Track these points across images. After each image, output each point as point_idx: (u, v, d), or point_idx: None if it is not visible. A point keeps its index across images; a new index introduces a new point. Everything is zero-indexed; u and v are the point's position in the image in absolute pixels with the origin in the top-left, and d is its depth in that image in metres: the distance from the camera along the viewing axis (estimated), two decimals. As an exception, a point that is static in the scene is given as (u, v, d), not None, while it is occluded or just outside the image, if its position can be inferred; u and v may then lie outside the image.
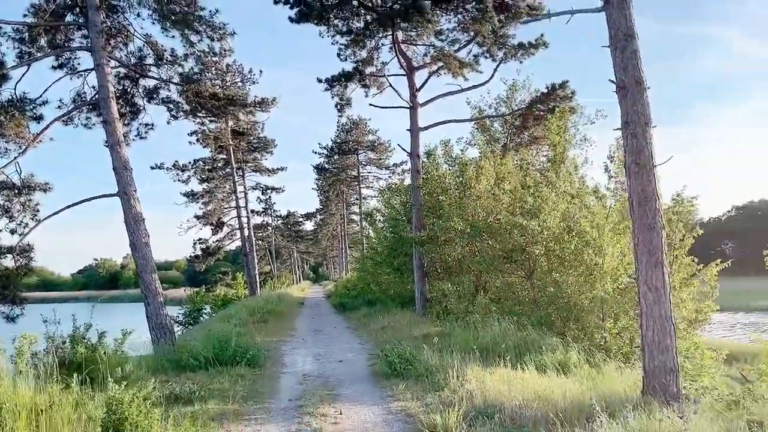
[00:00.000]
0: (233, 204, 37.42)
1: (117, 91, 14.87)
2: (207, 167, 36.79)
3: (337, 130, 41.26)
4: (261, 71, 31.97)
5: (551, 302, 13.45)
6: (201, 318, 29.83)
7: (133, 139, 15.91)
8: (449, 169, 17.94)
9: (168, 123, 26.85)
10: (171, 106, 23.29)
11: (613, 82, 6.44)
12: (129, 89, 15.94)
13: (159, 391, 6.98)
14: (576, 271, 13.06)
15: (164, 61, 15.81)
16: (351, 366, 10.29)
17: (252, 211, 54.98)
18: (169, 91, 16.70)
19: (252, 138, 39.07)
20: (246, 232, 34.16)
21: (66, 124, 14.52)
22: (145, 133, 16.19)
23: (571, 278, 12.48)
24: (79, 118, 14.89)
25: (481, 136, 21.74)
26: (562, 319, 12.82)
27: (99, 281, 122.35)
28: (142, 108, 16.21)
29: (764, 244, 12.20)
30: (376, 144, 40.41)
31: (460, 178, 17.29)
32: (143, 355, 10.78)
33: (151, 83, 16.34)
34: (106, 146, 12.76)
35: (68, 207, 12.80)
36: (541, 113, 16.76)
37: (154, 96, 16.68)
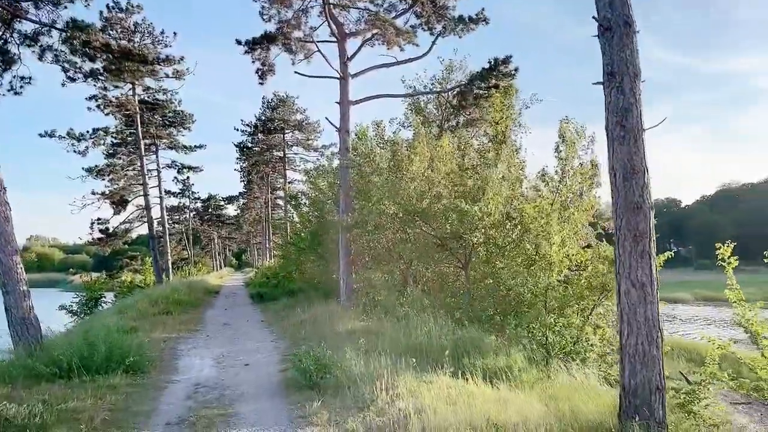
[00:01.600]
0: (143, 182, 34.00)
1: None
2: (114, 140, 33.09)
3: (262, 106, 38.45)
4: (175, 33, 28.75)
5: (489, 294, 12.29)
6: (100, 307, 26.57)
7: (4, 95, 13.04)
8: (381, 150, 16.37)
9: (63, 85, 23.67)
10: (65, 64, 20.22)
11: (595, 19, 5.08)
12: (-2, 32, 13.04)
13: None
14: (515, 261, 11.97)
15: (45, 1, 13.10)
16: (258, 371, 8.50)
17: (167, 192, 51.09)
18: (52, 38, 13.90)
19: (167, 111, 35.62)
20: (156, 214, 31.03)
21: None
22: (21, 87, 13.34)
23: (513, 268, 11.33)
24: None
25: (416, 116, 20.33)
26: (500, 314, 11.67)
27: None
28: (16, 57, 13.33)
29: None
30: (303, 123, 37.90)
31: (393, 160, 15.80)
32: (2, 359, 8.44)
33: (29, 27, 13.51)
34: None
35: None
36: (481, 90, 15.54)
37: (33, 43, 13.81)
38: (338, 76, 16.54)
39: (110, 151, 33.02)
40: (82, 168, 30.47)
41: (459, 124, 18.87)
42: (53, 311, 26.64)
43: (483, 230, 11.85)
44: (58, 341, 9.06)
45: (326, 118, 16.45)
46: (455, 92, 17.58)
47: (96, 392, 6.83)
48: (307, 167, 27.01)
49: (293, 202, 25.91)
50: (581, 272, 11.11)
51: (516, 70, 15.10)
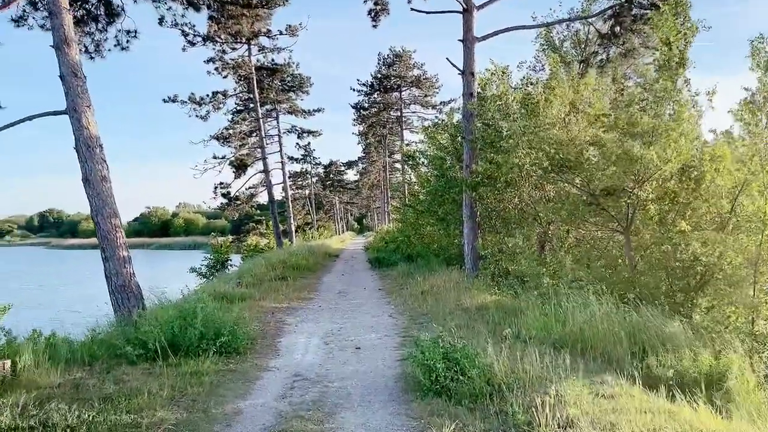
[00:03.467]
0: (267, 146, 34.29)
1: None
2: (237, 106, 33.55)
3: (378, 63, 36.71)
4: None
5: (660, 266, 9.54)
6: (226, 270, 27.24)
7: (110, 50, 12.51)
8: (514, 92, 13.80)
9: (183, 50, 23.71)
10: (184, 27, 19.79)
11: None
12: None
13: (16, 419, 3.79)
14: (700, 222, 9.07)
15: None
16: (370, 359, 6.84)
17: (290, 158, 52.09)
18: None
19: (286, 75, 35.40)
20: (278, 179, 31.03)
21: (18, 25, 11.23)
22: (127, 42, 12.72)
23: (701, 232, 8.49)
24: (33, 17, 11.53)
25: (553, 55, 17.23)
26: (680, 291, 8.93)
27: (152, 228, 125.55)
28: (120, 9, 12.71)
29: None
30: (421, 79, 35.58)
31: (526, 103, 13.19)
32: (95, 332, 7.68)
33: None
34: (52, 47, 9.41)
35: (7, 126, 9.59)
36: (643, 9, 12.24)
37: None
38: (461, 9, 14.13)
39: (233, 118, 33.58)
40: (210, 135, 31.13)
41: (609, 58, 15.52)
42: (185, 273, 27.95)
43: (658, 181, 9.05)
44: (158, 313, 8.10)
45: (447, 59, 14.20)
46: (606, 17, 14.29)
47: (176, 382, 5.59)
48: (425, 125, 24.91)
49: (410, 162, 24.07)
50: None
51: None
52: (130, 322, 7.92)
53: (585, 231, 11.83)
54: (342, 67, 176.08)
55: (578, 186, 10.74)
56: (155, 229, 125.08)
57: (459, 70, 14.36)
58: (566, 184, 11.15)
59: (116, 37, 12.38)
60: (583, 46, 18.70)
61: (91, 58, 12.21)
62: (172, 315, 7.36)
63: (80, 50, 12.19)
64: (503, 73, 14.14)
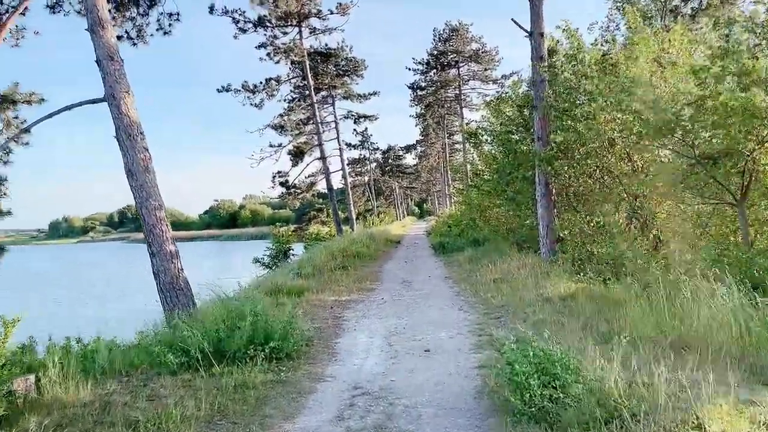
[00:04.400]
0: (324, 133, 33.76)
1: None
2: (293, 94, 33.09)
3: (434, 39, 35.00)
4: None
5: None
6: (288, 260, 26.95)
7: (152, 34, 11.97)
8: (590, 51, 12.18)
9: (235, 38, 23.29)
10: (234, 14, 19.27)
11: None
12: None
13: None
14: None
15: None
16: (442, 367, 5.78)
17: (348, 145, 51.62)
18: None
19: (340, 60, 34.66)
20: (336, 166, 30.37)
21: (54, 11, 10.85)
22: (169, 25, 12.15)
23: None
24: (70, 2, 11.12)
25: (631, 9, 15.30)
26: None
27: (221, 220, 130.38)
28: (161, -9, 12.14)
29: None
30: (480, 53, 33.71)
31: (606, 64, 11.57)
32: (142, 336, 7.09)
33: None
34: (87, 31, 8.86)
35: (46, 117, 9.18)
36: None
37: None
38: (526, -39, 12.59)
39: (289, 106, 33.14)
40: (267, 125, 30.76)
41: (702, 5, 13.48)
42: (250, 263, 27.91)
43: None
44: (207, 313, 7.38)
45: (513, 20, 12.72)
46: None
47: (216, 399, 4.78)
48: (486, 100, 23.30)
49: (473, 140, 22.62)
50: None
51: None
52: (177, 323, 7.27)
53: (685, 206, 10.18)
54: (395, 49, 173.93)
55: (678, 152, 9.13)
56: (224, 221, 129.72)
57: (525, 31, 12.85)
58: (665, 151, 9.55)
59: (158, 20, 11.83)
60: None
61: (134, 44, 11.74)
62: (218, 316, 6.62)
63: (122, 36, 11.78)
64: (574, 33, 12.51)
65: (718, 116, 7.77)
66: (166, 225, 8.54)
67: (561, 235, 12.27)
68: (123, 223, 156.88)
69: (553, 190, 12.95)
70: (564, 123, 11.41)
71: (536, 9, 12.66)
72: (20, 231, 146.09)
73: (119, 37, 11.86)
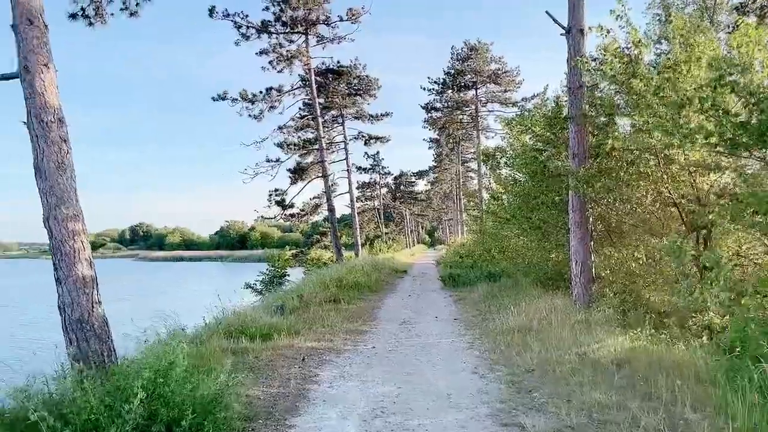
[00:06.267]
0: (332, 153, 31.85)
1: None
2: (301, 112, 31.23)
3: (451, 58, 33.02)
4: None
5: None
6: (284, 285, 24.60)
7: (113, 14, 9.95)
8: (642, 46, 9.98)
9: (237, 44, 21.48)
10: (236, 18, 17.44)
11: None
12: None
13: None
14: None
15: None
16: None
17: (358, 168, 49.67)
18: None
19: (352, 78, 32.99)
20: (344, 188, 28.20)
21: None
22: (137, 5, 10.11)
23: None
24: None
25: (679, 15, 13.16)
26: None
27: (230, 241, 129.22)
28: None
29: None
30: (500, 73, 31.66)
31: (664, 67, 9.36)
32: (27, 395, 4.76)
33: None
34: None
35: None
36: None
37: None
38: (563, -55, 10.56)
39: (296, 125, 31.23)
40: (274, 143, 28.60)
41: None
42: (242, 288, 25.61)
43: None
44: (134, 367, 5.00)
45: (547, 12, 10.62)
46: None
47: None
48: (507, 118, 21.12)
49: (490, 163, 20.37)
50: None
51: None
52: (82, 382, 4.95)
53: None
54: (408, 79, 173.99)
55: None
56: (233, 242, 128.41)
57: (562, 27, 10.74)
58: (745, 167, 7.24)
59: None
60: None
61: (91, 23, 9.74)
62: (150, 378, 4.33)
63: (76, 13, 9.83)
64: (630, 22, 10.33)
65: None
66: (82, 242, 6.28)
67: (601, 274, 9.89)
68: (134, 241, 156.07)
69: (590, 219, 10.62)
70: (612, 133, 9.14)
71: (575, 1, 10.59)
72: (33, 245, 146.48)
73: (73, 15, 9.95)
